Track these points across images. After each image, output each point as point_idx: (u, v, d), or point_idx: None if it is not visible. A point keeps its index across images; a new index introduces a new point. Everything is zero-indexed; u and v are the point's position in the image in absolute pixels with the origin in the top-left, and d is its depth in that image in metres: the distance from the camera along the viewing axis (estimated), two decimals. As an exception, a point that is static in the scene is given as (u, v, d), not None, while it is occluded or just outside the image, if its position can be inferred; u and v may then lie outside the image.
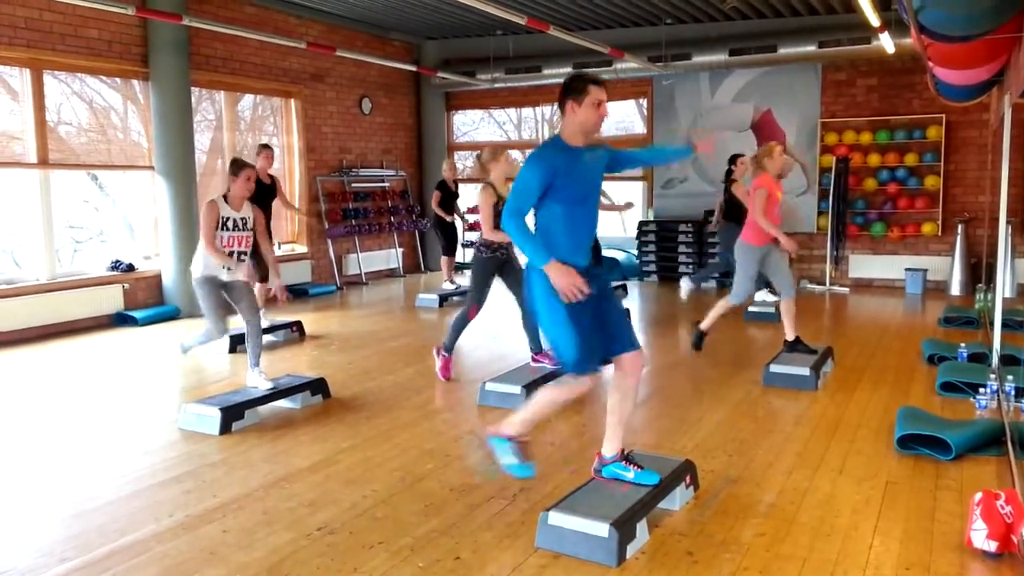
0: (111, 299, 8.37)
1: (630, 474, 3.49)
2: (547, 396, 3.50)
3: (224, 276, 5.29)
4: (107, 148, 8.62)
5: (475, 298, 5.78)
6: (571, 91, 3.32)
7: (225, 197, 5.26)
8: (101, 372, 6.40)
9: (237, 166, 5.26)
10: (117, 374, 6.33)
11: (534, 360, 5.88)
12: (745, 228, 6.23)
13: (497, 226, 5.31)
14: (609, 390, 3.60)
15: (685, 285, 9.13)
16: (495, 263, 5.76)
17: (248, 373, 5.35)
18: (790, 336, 6.13)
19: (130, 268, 8.66)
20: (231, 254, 5.25)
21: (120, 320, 8.37)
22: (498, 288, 6.01)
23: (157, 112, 8.58)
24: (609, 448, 3.56)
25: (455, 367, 6.08)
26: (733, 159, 8.51)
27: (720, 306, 6.28)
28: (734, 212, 8.35)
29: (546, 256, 3.26)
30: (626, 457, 3.55)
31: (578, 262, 3.37)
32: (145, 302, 8.72)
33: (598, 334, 3.43)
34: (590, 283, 3.31)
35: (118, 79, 8.63)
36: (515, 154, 12.32)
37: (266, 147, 7.79)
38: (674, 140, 11.50)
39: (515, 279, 5.78)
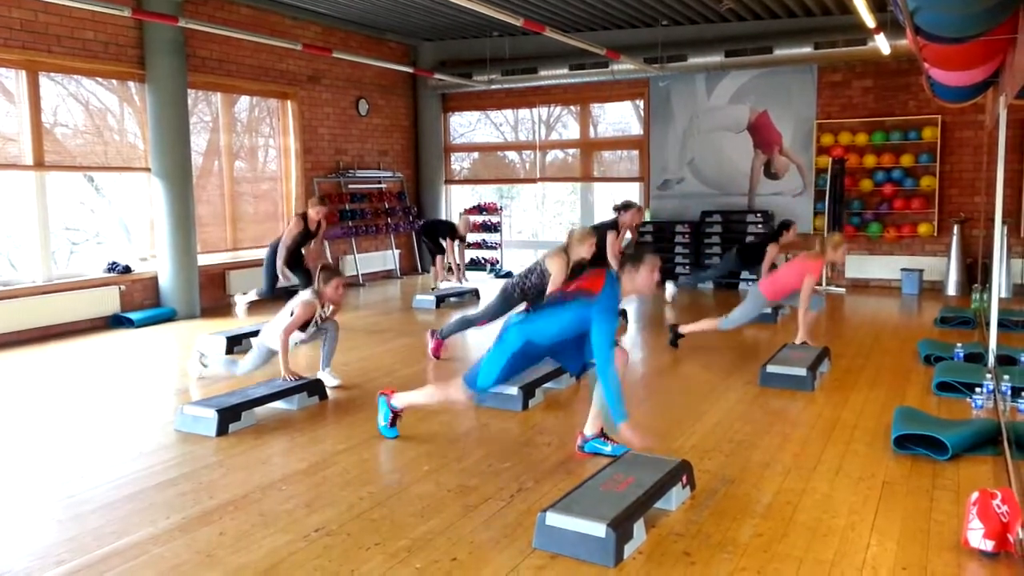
0: (107, 301, 8.35)
1: (608, 448, 4.19)
2: (436, 394, 4.40)
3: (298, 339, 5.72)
4: (103, 150, 8.61)
5: (489, 317, 6.32)
6: (632, 260, 3.95)
7: (320, 301, 5.60)
8: (97, 374, 6.39)
9: (329, 274, 5.60)
10: (113, 376, 6.32)
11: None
12: (768, 282, 6.66)
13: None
14: (595, 384, 4.08)
15: (670, 288, 9.57)
16: (523, 299, 6.20)
17: (320, 372, 5.80)
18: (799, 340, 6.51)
19: (126, 270, 8.65)
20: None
21: (116, 322, 8.35)
22: (499, 288, 6.16)
23: (153, 114, 8.57)
24: (590, 428, 4.26)
25: (447, 351, 6.58)
26: (786, 225, 8.49)
27: (708, 323, 6.63)
28: (753, 257, 8.63)
29: (624, 416, 3.77)
30: (603, 434, 4.24)
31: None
32: (141, 304, 8.71)
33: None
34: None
35: (114, 81, 8.62)
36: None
37: (322, 200, 8.45)
38: (670, 141, 11.52)
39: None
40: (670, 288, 9.59)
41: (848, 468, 4.06)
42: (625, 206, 8.08)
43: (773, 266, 8.19)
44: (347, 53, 10.19)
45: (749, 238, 10.50)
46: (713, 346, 7.07)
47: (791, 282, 6.50)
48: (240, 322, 8.13)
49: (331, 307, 5.79)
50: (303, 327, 5.60)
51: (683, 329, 6.74)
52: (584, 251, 5.95)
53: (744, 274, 10.72)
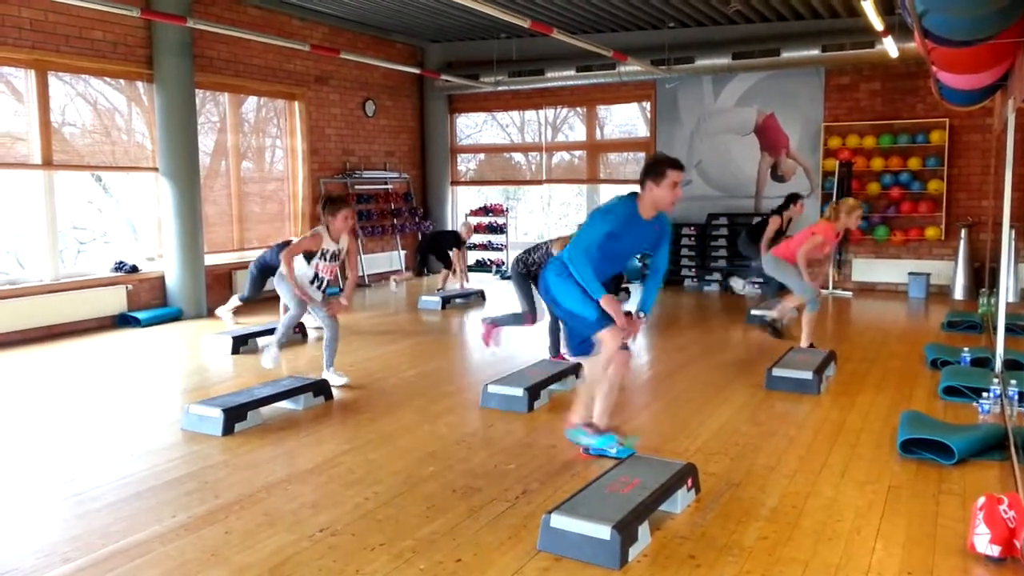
0: (114, 300, 8.38)
1: (594, 441, 4.18)
2: (606, 381, 4.09)
3: (313, 296, 5.74)
4: (111, 149, 8.64)
5: (529, 308, 6.39)
6: (652, 172, 3.84)
7: (328, 230, 5.64)
8: (104, 373, 6.41)
9: (336, 206, 5.61)
10: (119, 375, 6.34)
11: (552, 360, 6.17)
12: (778, 248, 6.65)
13: None
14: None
15: (737, 282, 9.92)
16: (529, 276, 6.31)
17: (324, 372, 5.79)
18: (804, 344, 6.49)
19: (133, 269, 8.68)
20: (320, 279, 5.75)
21: (123, 321, 8.38)
22: (505, 290, 6.12)
23: (161, 114, 8.60)
24: (576, 416, 4.24)
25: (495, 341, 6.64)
26: (794, 198, 8.46)
27: (807, 319, 6.54)
28: (759, 236, 8.46)
29: (601, 291, 3.85)
30: (588, 424, 4.20)
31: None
32: (148, 303, 8.74)
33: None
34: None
35: (122, 81, 8.65)
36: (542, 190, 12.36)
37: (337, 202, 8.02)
38: (677, 143, 11.51)
39: None
40: (737, 282, 9.93)
41: (854, 472, 4.04)
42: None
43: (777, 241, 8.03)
44: (355, 54, 10.21)
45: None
46: (719, 348, 7.06)
47: (795, 249, 6.42)
48: (246, 321, 8.15)
49: (343, 244, 5.73)
50: (308, 258, 5.61)
51: (774, 314, 6.78)
52: None
53: (749, 278, 10.71)
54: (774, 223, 8.16)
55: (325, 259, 5.71)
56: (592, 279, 3.87)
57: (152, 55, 8.55)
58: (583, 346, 4.17)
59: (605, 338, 3.95)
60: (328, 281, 5.82)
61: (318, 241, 5.62)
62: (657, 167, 3.84)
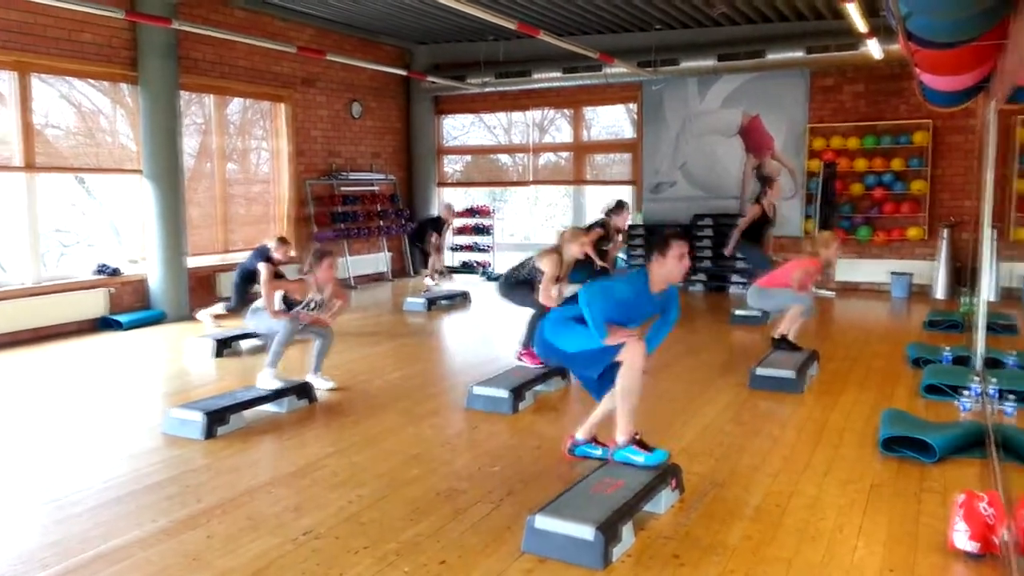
0: (96, 303, 8.32)
1: (598, 451, 3.99)
2: (627, 382, 3.75)
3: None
4: (95, 152, 8.58)
5: (534, 308, 6.06)
6: (657, 248, 3.82)
7: (315, 281, 5.57)
8: (85, 376, 6.36)
9: (320, 255, 5.56)
10: (101, 378, 6.29)
11: (518, 357, 5.97)
12: (762, 280, 6.60)
13: (549, 295, 5.77)
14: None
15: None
16: (519, 284, 6.12)
17: (310, 375, 5.72)
18: (778, 334, 6.37)
19: (116, 272, 8.61)
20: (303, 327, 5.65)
21: (105, 324, 8.32)
22: (491, 291, 6.07)
23: (145, 116, 8.55)
24: (583, 433, 4.07)
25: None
26: (768, 181, 8.49)
27: (793, 312, 6.41)
28: (751, 234, 8.55)
29: (604, 333, 3.70)
30: (595, 439, 4.05)
31: None
32: (131, 306, 8.68)
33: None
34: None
35: (106, 83, 8.59)
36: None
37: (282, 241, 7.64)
38: (663, 144, 11.55)
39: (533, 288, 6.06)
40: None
41: (836, 471, 4.07)
42: (619, 206, 8.06)
43: (767, 261, 8.07)
44: (341, 56, 10.18)
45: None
46: (704, 348, 7.09)
47: (785, 281, 6.44)
48: (228, 324, 8.10)
49: (327, 294, 5.68)
50: (289, 307, 5.54)
51: (783, 332, 6.51)
52: (576, 250, 5.90)
53: (734, 278, 10.76)
54: (753, 211, 8.19)
55: (309, 309, 5.66)
56: (600, 326, 3.71)
57: (136, 57, 8.50)
58: (604, 383, 3.90)
59: (625, 353, 3.74)
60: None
61: (304, 290, 5.57)
62: (661, 243, 3.82)
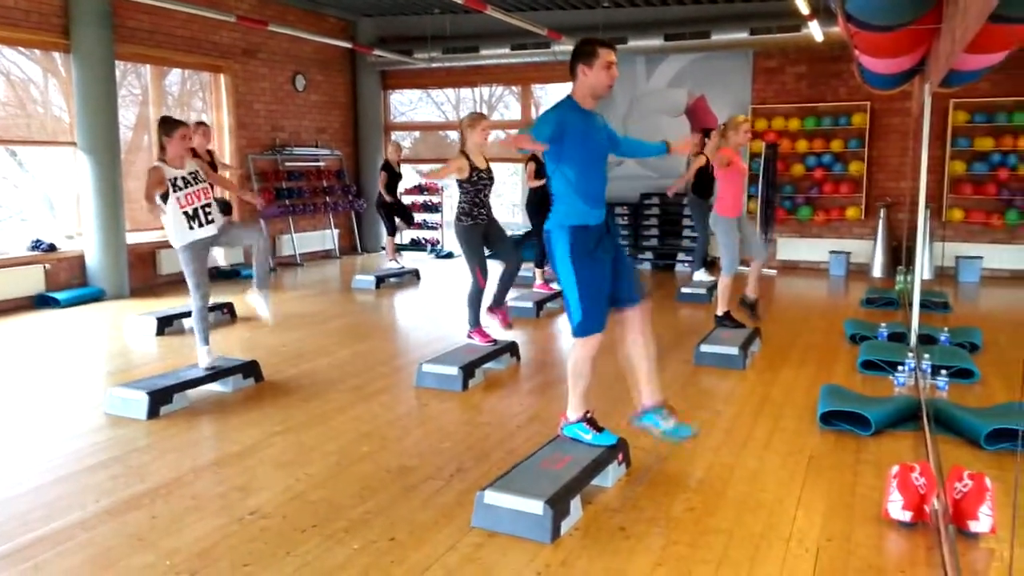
0: (32, 280, 8.05)
1: (589, 436, 3.77)
2: (574, 366, 3.79)
3: (205, 233, 5.09)
4: (26, 123, 8.26)
5: (477, 266, 5.80)
6: (582, 55, 3.50)
7: (164, 160, 5.02)
8: (23, 355, 6.17)
9: (170, 126, 5.03)
10: (40, 357, 6.11)
11: (468, 335, 5.90)
12: (719, 202, 6.42)
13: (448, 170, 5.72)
14: (626, 348, 3.91)
15: (698, 276, 9.11)
16: (479, 229, 5.79)
17: (249, 293, 5.45)
18: (720, 311, 6.41)
19: (51, 248, 8.34)
20: (195, 211, 5.04)
21: (41, 302, 8.06)
22: (440, 269, 6.01)
23: (79, 86, 8.24)
24: (649, 397, 3.82)
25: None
26: (707, 133, 8.75)
27: (723, 285, 6.40)
28: (701, 187, 8.73)
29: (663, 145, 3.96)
30: (586, 418, 3.84)
31: (596, 220, 3.64)
32: (68, 283, 8.42)
33: (606, 299, 3.74)
34: (605, 243, 3.63)
35: (37, 51, 8.25)
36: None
37: (202, 124, 8.04)
38: (611, 123, 11.57)
39: (498, 237, 5.92)
40: (698, 276, 9.12)
41: (777, 444, 4.19)
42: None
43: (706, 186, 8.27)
44: (284, 27, 9.95)
45: (686, 220, 10.79)
46: (651, 325, 7.17)
47: (727, 187, 6.33)
48: (170, 303, 7.93)
49: (189, 166, 5.07)
50: (164, 197, 4.93)
51: (748, 293, 6.53)
52: (479, 137, 5.69)
53: (680, 256, 10.93)
54: (699, 162, 8.24)
55: (178, 189, 4.97)
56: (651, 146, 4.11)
57: (68, 24, 8.17)
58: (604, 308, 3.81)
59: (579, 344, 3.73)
60: (205, 208, 5.08)
61: (160, 175, 4.90)
62: (586, 48, 3.50)
